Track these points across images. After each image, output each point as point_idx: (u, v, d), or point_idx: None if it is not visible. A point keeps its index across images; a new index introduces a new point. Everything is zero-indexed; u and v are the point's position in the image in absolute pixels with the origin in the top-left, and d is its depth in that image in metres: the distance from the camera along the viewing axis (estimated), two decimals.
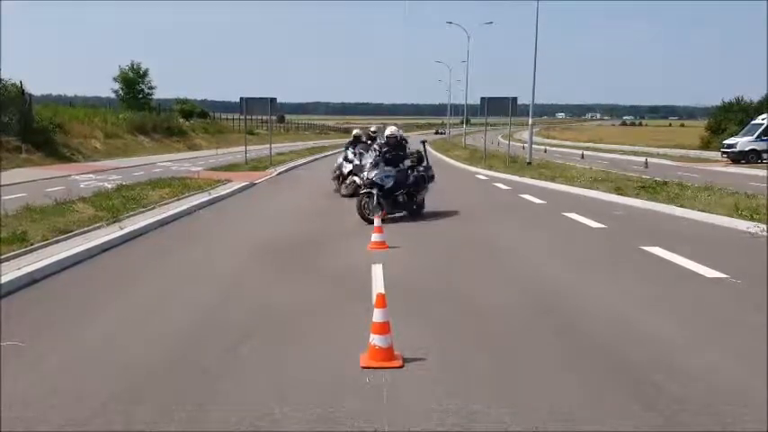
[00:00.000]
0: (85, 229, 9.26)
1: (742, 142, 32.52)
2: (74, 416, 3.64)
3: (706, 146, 45.48)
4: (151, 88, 49.47)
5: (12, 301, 6.06)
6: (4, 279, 6.37)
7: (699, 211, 11.96)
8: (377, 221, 9.43)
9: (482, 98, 28.73)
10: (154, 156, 34.03)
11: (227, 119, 63.01)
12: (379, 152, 12.04)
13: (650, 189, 15.41)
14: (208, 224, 11.52)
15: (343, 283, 6.89)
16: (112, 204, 11.49)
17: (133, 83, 48.20)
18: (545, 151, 48.98)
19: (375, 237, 8.94)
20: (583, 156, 41.90)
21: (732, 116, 44.78)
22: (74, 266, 7.55)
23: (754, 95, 56.07)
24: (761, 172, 25.02)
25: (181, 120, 50.29)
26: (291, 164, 29.40)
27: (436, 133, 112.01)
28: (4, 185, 16.26)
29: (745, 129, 34.19)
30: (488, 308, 5.86)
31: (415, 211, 12.02)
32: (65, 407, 3.75)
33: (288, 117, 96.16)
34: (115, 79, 48.27)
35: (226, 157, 32.29)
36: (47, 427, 3.52)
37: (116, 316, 5.75)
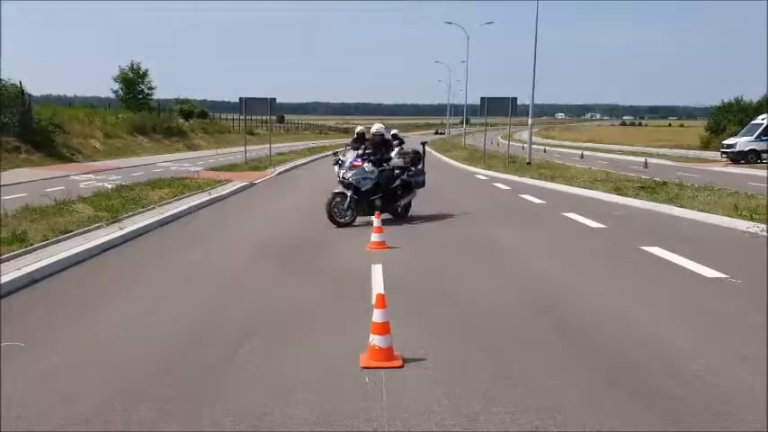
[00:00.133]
0: (85, 229, 9.26)
1: (741, 142, 32.53)
2: (74, 416, 3.64)
3: (706, 146, 45.52)
4: (151, 88, 49.46)
5: (12, 301, 6.06)
6: (4, 279, 6.37)
7: (698, 211, 11.96)
8: (376, 221, 9.42)
9: (482, 98, 28.74)
10: (153, 156, 34.03)
11: (226, 119, 63.01)
12: (363, 151, 11.39)
13: (650, 189, 15.42)
14: (208, 224, 11.52)
15: (343, 284, 6.89)
16: (112, 204, 11.49)
17: (133, 83, 48.16)
18: (545, 151, 48.99)
19: (375, 237, 8.94)
20: (582, 156, 41.91)
21: (732, 116, 44.82)
22: (74, 266, 7.55)
23: (753, 95, 56.12)
24: (760, 172, 25.02)
25: (180, 120, 50.27)
26: (291, 164, 29.39)
27: (436, 133, 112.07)
28: (3, 185, 16.26)
29: (745, 129, 34.20)
30: (488, 308, 5.86)
31: (399, 215, 11.50)
32: (65, 407, 3.75)
33: (288, 117, 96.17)
34: (115, 79, 48.27)
35: (226, 157, 32.29)
36: (47, 427, 3.53)
37: (116, 316, 5.75)
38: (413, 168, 11.73)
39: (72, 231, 8.94)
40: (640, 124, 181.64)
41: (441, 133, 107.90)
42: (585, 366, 4.41)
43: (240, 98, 28.23)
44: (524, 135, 43.44)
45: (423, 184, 11.85)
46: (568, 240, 9.82)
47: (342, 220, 10.51)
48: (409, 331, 5.02)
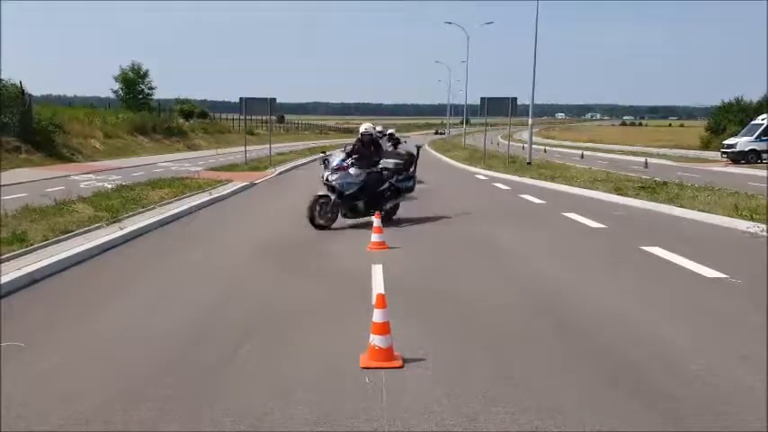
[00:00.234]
0: (85, 229, 9.26)
1: (742, 142, 32.54)
2: (74, 416, 3.64)
3: (706, 146, 45.54)
4: (151, 89, 49.51)
5: (12, 301, 6.06)
6: (4, 279, 6.37)
7: (698, 211, 11.97)
8: (376, 222, 9.42)
9: (482, 98, 28.74)
10: (154, 156, 34.04)
11: (226, 119, 63.03)
12: (353, 148, 11.10)
13: (650, 189, 15.43)
14: (208, 224, 11.51)
15: (343, 284, 6.89)
16: (112, 204, 11.49)
17: (133, 83, 48.20)
18: (545, 151, 49.00)
19: (375, 237, 8.94)
20: (582, 156, 41.92)
21: (732, 116, 44.84)
22: (74, 266, 7.55)
23: (753, 95, 56.15)
24: (761, 172, 25.03)
25: (181, 120, 50.28)
26: (291, 164, 29.39)
27: (436, 133, 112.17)
28: (3, 185, 16.26)
29: (745, 129, 34.21)
30: (488, 308, 5.86)
31: (384, 217, 10.66)
32: (65, 407, 3.75)
33: (288, 117, 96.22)
34: (115, 79, 48.30)
35: (226, 157, 32.30)
36: (47, 427, 3.53)
37: (116, 316, 5.75)
38: (404, 172, 11.35)
39: (72, 231, 8.94)
40: (640, 124, 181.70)
41: (441, 133, 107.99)
42: (585, 366, 4.41)
43: (240, 98, 28.23)
44: (524, 135, 43.46)
45: (411, 189, 11.39)
46: (568, 240, 9.82)
47: (321, 222, 10.19)
48: (409, 331, 5.02)
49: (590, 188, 17.02)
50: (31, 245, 7.85)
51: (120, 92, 48.48)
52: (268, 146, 31.04)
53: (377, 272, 7.24)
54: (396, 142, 18.35)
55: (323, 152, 11.14)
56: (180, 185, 15.77)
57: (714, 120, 48.90)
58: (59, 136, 29.09)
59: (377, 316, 4.43)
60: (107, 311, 5.87)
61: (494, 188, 19.40)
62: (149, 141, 39.37)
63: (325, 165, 10.66)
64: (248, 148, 29.77)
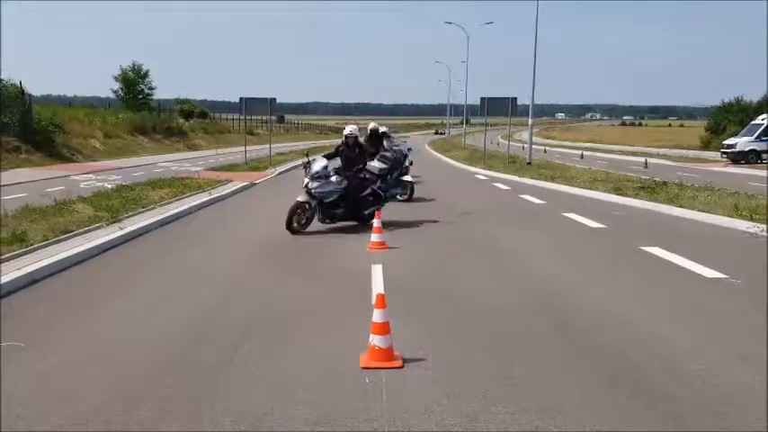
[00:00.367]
0: (85, 229, 9.26)
1: (742, 142, 32.54)
2: (74, 416, 3.64)
3: (706, 146, 45.54)
4: (151, 89, 49.55)
5: (12, 301, 6.06)
6: (4, 279, 6.37)
7: (698, 211, 11.97)
8: (376, 222, 9.42)
9: (482, 98, 28.75)
10: (154, 156, 34.04)
11: (226, 119, 63.03)
12: (336, 151, 10.77)
13: (650, 189, 15.43)
14: (208, 224, 11.51)
15: (343, 284, 6.89)
16: (112, 204, 11.49)
17: (133, 83, 48.22)
18: (545, 151, 48.99)
19: (375, 237, 8.94)
20: (582, 156, 41.91)
21: (732, 116, 44.84)
22: (74, 266, 7.55)
23: (753, 95, 56.15)
24: (761, 172, 25.03)
25: (181, 120, 50.28)
26: (291, 164, 29.35)
27: (436, 133, 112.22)
28: (3, 185, 16.26)
29: (745, 129, 34.21)
30: (488, 308, 5.86)
31: (361, 219, 10.63)
32: (65, 407, 3.75)
33: (288, 117, 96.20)
34: (116, 79, 48.31)
35: (226, 157, 32.30)
36: (47, 427, 3.53)
37: (116, 316, 5.76)
38: (389, 176, 10.94)
39: (72, 231, 8.94)
40: (640, 124, 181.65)
41: (441, 133, 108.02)
42: (585, 366, 4.41)
43: (240, 98, 28.24)
44: (524, 135, 43.47)
45: (395, 196, 10.97)
46: (568, 240, 9.82)
47: (295, 226, 9.93)
48: (409, 331, 5.02)
49: (590, 188, 17.03)
50: (31, 245, 7.85)
51: (120, 92, 48.51)
52: (268, 146, 31.03)
53: (377, 272, 7.24)
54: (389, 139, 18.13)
55: (306, 155, 10.72)
56: (180, 185, 15.77)
57: (714, 120, 48.91)
58: (59, 136, 29.10)
59: (377, 316, 4.43)
60: (107, 311, 5.87)
61: (494, 188, 19.40)
62: (149, 141, 39.37)
63: (306, 170, 10.26)
64: (248, 148, 29.76)
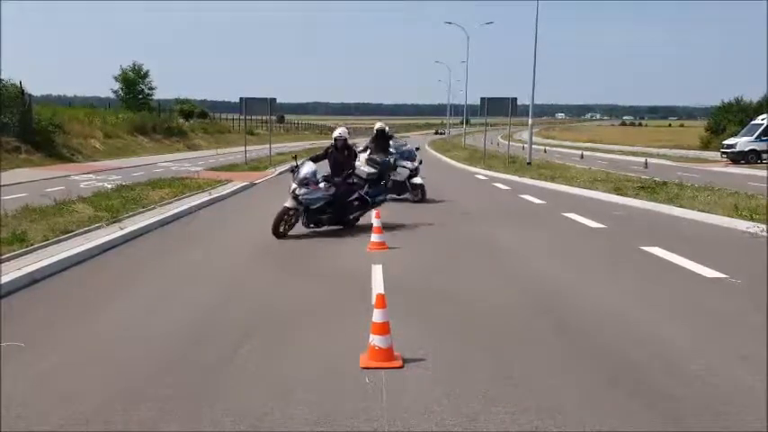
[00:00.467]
0: (85, 229, 9.25)
1: (741, 142, 32.54)
2: (74, 416, 3.64)
3: (706, 146, 45.53)
4: (151, 89, 49.53)
5: (12, 301, 6.06)
6: (5, 279, 6.37)
7: (698, 211, 11.97)
8: (376, 222, 9.42)
9: (482, 98, 28.75)
10: (154, 156, 34.03)
11: (226, 119, 63.02)
12: (325, 153, 10.50)
13: (650, 189, 15.43)
14: (208, 224, 11.51)
15: (343, 284, 6.89)
16: (112, 204, 11.49)
17: (133, 83, 48.20)
18: (545, 151, 48.98)
19: (375, 237, 8.94)
20: (582, 156, 41.91)
21: (732, 116, 44.83)
22: (74, 267, 7.55)
23: (753, 95, 56.14)
24: (760, 172, 25.03)
25: (181, 120, 50.27)
26: (291, 164, 29.33)
27: (436, 133, 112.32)
28: (3, 186, 16.26)
29: (745, 129, 34.21)
30: (488, 308, 5.86)
31: (346, 224, 10.46)
32: (65, 407, 3.75)
33: (288, 117, 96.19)
34: (116, 79, 48.29)
35: (226, 157, 32.29)
36: (47, 427, 3.53)
37: (116, 316, 5.76)
38: (377, 182, 10.70)
39: (72, 231, 8.94)
40: (640, 124, 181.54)
41: (441, 133, 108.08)
42: (585, 366, 4.41)
43: (240, 98, 28.23)
44: (524, 135, 43.47)
45: (380, 203, 10.70)
46: (568, 240, 9.82)
47: (280, 230, 9.66)
48: (409, 331, 5.02)
49: (590, 188, 17.03)
50: (31, 245, 7.85)
51: (121, 92, 48.49)
52: (268, 146, 31.02)
53: (377, 272, 7.24)
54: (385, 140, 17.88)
55: (294, 158, 10.43)
56: (180, 185, 15.77)
57: (714, 120, 48.91)
58: (59, 136, 29.09)
59: (377, 316, 4.43)
60: (107, 311, 5.87)
61: (494, 188, 19.40)
62: (149, 141, 39.36)
63: (294, 175, 9.98)
64: (248, 148, 29.76)
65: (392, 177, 14.39)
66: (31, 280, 6.71)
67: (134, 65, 48.61)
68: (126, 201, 12.25)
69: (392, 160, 12.92)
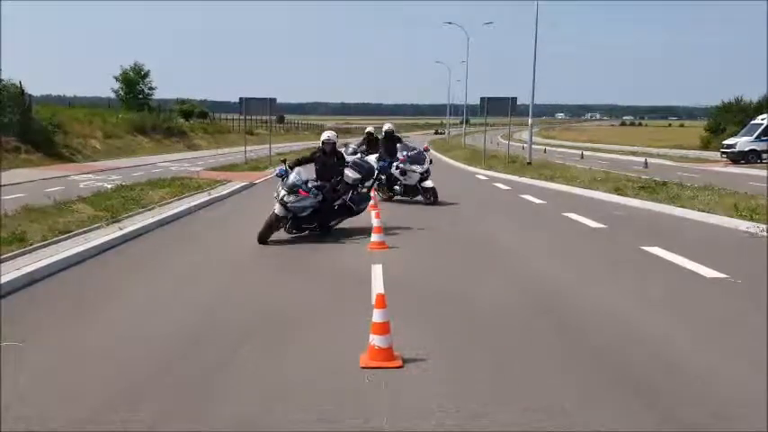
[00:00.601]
0: (85, 229, 9.25)
1: (741, 142, 32.52)
2: (74, 416, 3.63)
3: (706, 146, 45.50)
4: (151, 89, 49.51)
5: (12, 301, 6.05)
6: (4, 279, 6.37)
7: (698, 211, 11.97)
8: (376, 222, 9.42)
9: (482, 98, 28.74)
10: (153, 156, 34.02)
11: (226, 119, 63.04)
12: (313, 156, 10.09)
13: (650, 189, 15.42)
14: (208, 224, 11.51)
15: (343, 284, 6.89)
16: (112, 204, 11.49)
17: (134, 83, 48.19)
18: (545, 151, 48.93)
19: (375, 237, 8.93)
20: (582, 156, 41.89)
21: (732, 116, 44.80)
22: (73, 266, 7.54)
23: (753, 95, 56.08)
24: (761, 172, 25.01)
25: (180, 120, 50.28)
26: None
27: (436, 133, 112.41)
28: (3, 186, 16.25)
29: (745, 129, 34.18)
30: (488, 308, 5.86)
31: (326, 229, 10.03)
32: (65, 407, 3.75)
33: (287, 117, 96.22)
34: (116, 78, 48.28)
35: (226, 157, 32.32)
36: (47, 427, 3.52)
37: (116, 315, 5.75)
38: (360, 186, 10.36)
39: (72, 231, 8.93)
40: (640, 124, 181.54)
41: (440, 133, 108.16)
42: (586, 366, 4.41)
43: (240, 98, 28.25)
44: (524, 135, 43.45)
45: (362, 211, 10.44)
46: (569, 240, 9.82)
47: (265, 238, 9.33)
48: (409, 331, 5.01)
49: (590, 188, 17.02)
50: (31, 245, 7.84)
51: (121, 92, 48.47)
52: (268, 146, 31.02)
53: (377, 272, 7.24)
54: (376, 143, 17.75)
55: (283, 161, 10.03)
56: (179, 185, 15.76)
57: (714, 120, 48.89)
58: (59, 136, 29.10)
59: (377, 316, 4.43)
60: (107, 311, 5.87)
61: (494, 188, 19.40)
62: (149, 141, 39.36)
63: (283, 180, 9.56)
64: (248, 148, 29.78)
65: (404, 182, 14.39)
66: (31, 280, 6.70)
67: (135, 65, 48.65)
68: (125, 201, 12.25)
69: (377, 166, 12.75)
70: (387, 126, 15.57)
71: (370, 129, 18.10)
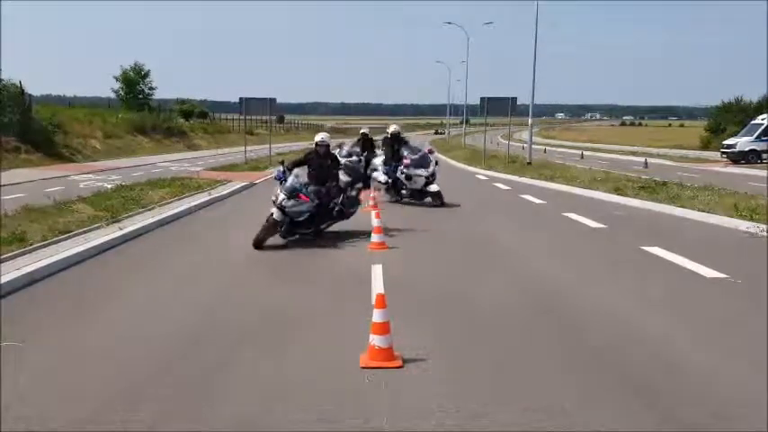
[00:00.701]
0: (85, 229, 9.25)
1: (742, 142, 32.51)
2: (74, 416, 3.63)
3: (706, 146, 45.50)
4: (151, 89, 49.49)
5: (12, 301, 6.05)
6: (4, 279, 6.37)
7: (698, 211, 11.97)
8: (376, 222, 9.41)
9: (482, 98, 28.75)
10: (153, 156, 34.01)
11: (226, 119, 63.04)
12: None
13: (650, 189, 15.42)
14: (208, 224, 11.51)
15: (343, 284, 6.89)
16: (112, 204, 11.49)
17: (134, 83, 48.19)
18: (545, 151, 48.93)
19: (375, 237, 8.93)
20: (582, 156, 41.88)
21: (732, 116, 44.79)
22: (73, 266, 7.54)
23: (753, 95, 56.08)
24: (761, 172, 25.01)
25: (180, 120, 50.27)
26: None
27: (436, 133, 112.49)
28: (3, 186, 16.24)
29: (745, 129, 34.17)
30: (488, 308, 5.86)
31: (316, 233, 9.70)
32: (65, 407, 3.75)
33: (287, 117, 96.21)
34: (117, 78, 48.27)
35: (226, 157, 32.32)
36: (47, 427, 3.52)
37: (116, 315, 5.75)
38: (350, 189, 10.12)
39: (72, 231, 8.93)
40: (640, 124, 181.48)
41: (440, 133, 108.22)
42: (585, 366, 4.41)
43: (240, 98, 28.25)
44: (524, 135, 43.44)
45: (352, 215, 10.15)
46: (569, 240, 9.82)
47: (264, 243, 9.04)
48: (409, 331, 5.01)
49: (590, 188, 17.02)
50: (31, 245, 7.84)
51: (121, 91, 48.46)
52: (268, 146, 31.02)
53: (377, 272, 7.24)
54: (371, 144, 17.37)
55: (281, 163, 9.71)
56: (179, 186, 15.76)
57: (714, 120, 48.88)
58: (59, 136, 29.10)
59: (377, 316, 4.43)
60: (107, 311, 5.87)
61: (494, 188, 19.40)
62: (149, 141, 39.36)
63: (282, 183, 9.25)
64: (248, 148, 29.77)
65: (409, 186, 14.31)
66: (31, 280, 6.70)
67: (135, 65, 48.65)
68: (125, 201, 12.24)
69: (384, 170, 12.66)
70: (393, 128, 15.36)
71: (364, 130, 18.04)
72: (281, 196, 9.07)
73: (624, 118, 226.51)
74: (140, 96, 48.36)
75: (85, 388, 4.02)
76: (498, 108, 28.72)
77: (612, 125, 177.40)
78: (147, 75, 48.78)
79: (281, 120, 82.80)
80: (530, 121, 30.39)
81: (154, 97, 50.08)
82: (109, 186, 15.55)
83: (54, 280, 6.96)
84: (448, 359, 4.52)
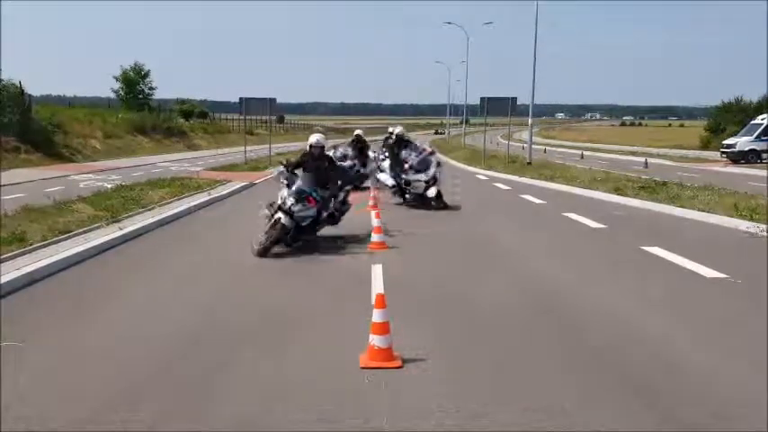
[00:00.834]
0: (85, 229, 9.25)
1: (741, 142, 32.51)
2: (74, 416, 3.63)
3: (705, 146, 45.49)
4: (151, 89, 49.52)
5: (12, 301, 6.05)
6: (4, 279, 6.37)
7: (698, 211, 11.97)
8: (376, 222, 9.41)
9: (482, 98, 28.77)
10: (153, 156, 34.02)
11: (226, 119, 63.05)
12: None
13: (650, 189, 15.42)
14: (208, 224, 11.51)
15: (343, 284, 6.89)
16: (112, 204, 11.49)
17: (134, 83, 48.20)
18: (545, 151, 48.92)
19: (375, 237, 8.93)
20: (582, 156, 41.89)
21: (732, 116, 44.78)
22: (73, 266, 7.54)
23: (753, 95, 56.05)
24: (760, 172, 25.01)
25: (180, 120, 50.29)
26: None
27: (435, 133, 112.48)
28: (3, 186, 16.24)
29: (745, 129, 34.16)
30: (488, 308, 5.86)
31: (309, 238, 9.12)
32: (65, 407, 3.75)
33: (287, 117, 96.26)
34: (117, 79, 48.27)
35: (226, 157, 32.31)
36: (47, 427, 3.52)
37: (116, 315, 5.75)
38: (339, 194, 9.67)
39: (72, 231, 8.93)
40: (640, 124, 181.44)
41: (440, 133, 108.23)
42: (585, 366, 4.41)
43: (240, 98, 28.27)
44: (524, 135, 43.45)
45: (340, 218, 9.70)
46: (569, 240, 9.82)
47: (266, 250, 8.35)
48: (409, 331, 5.01)
49: (590, 188, 17.03)
50: (31, 245, 7.84)
51: (121, 91, 48.47)
52: (268, 146, 31.02)
53: (377, 272, 7.24)
54: (363, 146, 17.42)
55: (282, 163, 9.34)
56: (179, 185, 15.76)
57: (714, 120, 48.88)
58: (59, 136, 29.11)
59: (376, 316, 4.43)
60: (107, 311, 5.87)
61: (494, 188, 19.40)
62: (149, 141, 39.37)
63: (289, 185, 8.87)
64: (248, 148, 29.77)
65: (411, 191, 14.25)
66: (31, 280, 6.70)
67: (135, 65, 48.66)
68: (125, 201, 12.25)
69: (391, 174, 12.51)
70: (398, 129, 15.15)
71: (358, 132, 17.96)
72: (289, 200, 8.52)
73: (624, 118, 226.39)
74: (140, 96, 48.38)
75: (85, 388, 4.02)
76: (498, 108, 28.74)
77: (612, 125, 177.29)
78: (147, 75, 48.85)
79: (280, 120, 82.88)
80: (530, 121, 30.40)
81: (154, 97, 50.20)
82: (109, 186, 15.55)
83: (54, 280, 6.96)
84: (448, 359, 4.52)
